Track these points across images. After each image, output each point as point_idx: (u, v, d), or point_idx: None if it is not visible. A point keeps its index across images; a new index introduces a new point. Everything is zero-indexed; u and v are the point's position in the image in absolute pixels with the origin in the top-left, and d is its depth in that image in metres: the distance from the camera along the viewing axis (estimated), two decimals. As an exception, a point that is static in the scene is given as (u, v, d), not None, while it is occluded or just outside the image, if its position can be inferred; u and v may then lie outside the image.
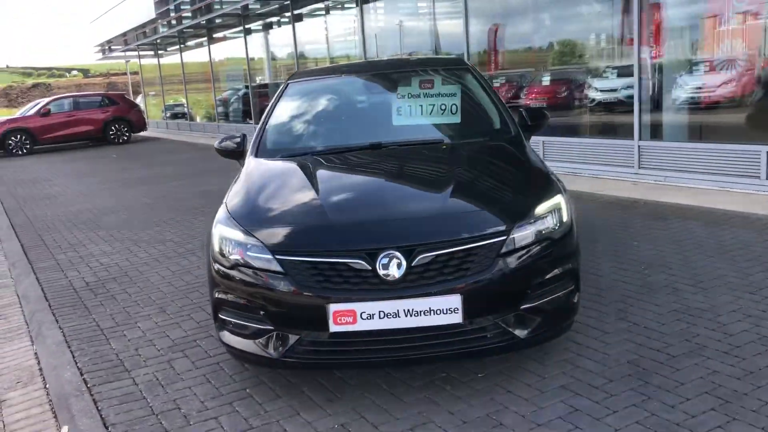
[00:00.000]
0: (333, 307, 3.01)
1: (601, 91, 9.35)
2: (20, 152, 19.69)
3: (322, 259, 3.08)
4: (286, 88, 4.93)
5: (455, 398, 3.21)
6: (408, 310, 3.00)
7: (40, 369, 4.07)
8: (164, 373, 3.75)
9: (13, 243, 7.67)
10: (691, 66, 8.17)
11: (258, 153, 4.30)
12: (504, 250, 3.12)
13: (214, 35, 21.04)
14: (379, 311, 2.99)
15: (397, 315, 3.00)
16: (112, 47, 29.02)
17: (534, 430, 2.88)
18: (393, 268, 3.00)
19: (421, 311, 3.00)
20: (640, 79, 8.14)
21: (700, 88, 8.13)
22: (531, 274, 3.19)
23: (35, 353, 4.34)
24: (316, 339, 3.11)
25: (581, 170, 8.93)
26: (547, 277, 3.26)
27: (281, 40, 17.78)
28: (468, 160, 3.91)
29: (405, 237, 3.10)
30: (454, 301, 3.01)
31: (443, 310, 3.01)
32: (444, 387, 3.32)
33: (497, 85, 10.75)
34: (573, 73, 9.90)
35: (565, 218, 3.40)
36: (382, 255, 3.02)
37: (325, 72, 5.41)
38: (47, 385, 3.83)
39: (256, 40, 18.91)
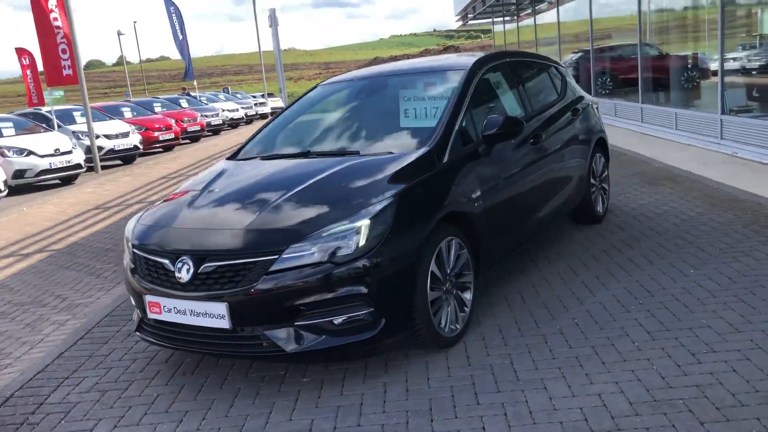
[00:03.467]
0: (147, 298, 3.62)
1: None
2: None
3: (147, 256, 3.69)
4: (312, 90, 5.37)
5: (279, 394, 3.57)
6: (192, 310, 3.44)
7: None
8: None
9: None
10: None
11: (236, 154, 4.88)
12: (273, 268, 3.29)
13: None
14: (174, 307, 3.50)
15: (185, 313, 3.47)
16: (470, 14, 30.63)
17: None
18: (183, 272, 3.46)
19: (200, 312, 3.42)
20: None
21: None
22: (303, 293, 3.29)
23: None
24: (146, 322, 3.75)
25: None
26: (328, 297, 3.30)
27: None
28: (320, 178, 3.87)
29: (199, 246, 3.51)
30: (221, 308, 3.34)
31: (214, 315, 3.38)
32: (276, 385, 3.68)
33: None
34: None
35: (361, 243, 3.34)
36: (179, 259, 3.50)
37: (352, 77, 5.37)
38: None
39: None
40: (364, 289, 3.32)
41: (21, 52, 17.91)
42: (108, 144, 16.44)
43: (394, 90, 4.81)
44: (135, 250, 3.80)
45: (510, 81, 5.05)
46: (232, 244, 3.46)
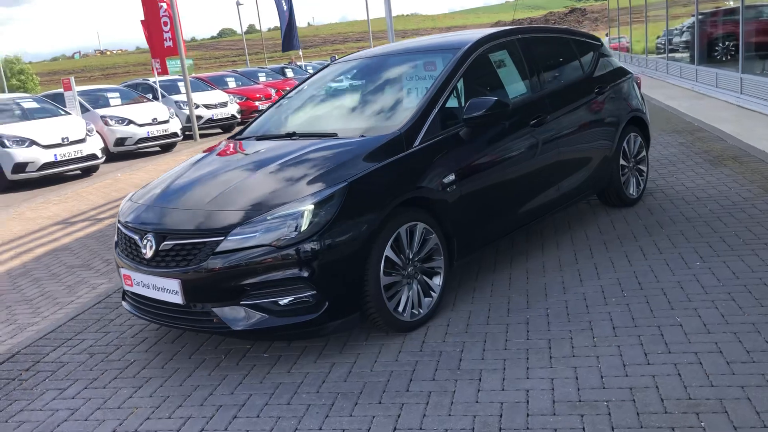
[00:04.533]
0: (122, 271, 3.89)
1: None
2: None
3: (124, 231, 3.95)
4: (325, 68, 5.42)
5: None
6: (154, 285, 3.67)
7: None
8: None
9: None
10: None
11: (241, 132, 5.03)
12: (219, 249, 3.45)
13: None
14: (141, 281, 3.75)
15: (149, 287, 3.71)
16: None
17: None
18: (148, 248, 3.69)
19: (160, 287, 3.64)
20: None
21: None
22: (247, 274, 3.42)
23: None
24: (126, 292, 4.02)
25: None
26: (271, 279, 3.42)
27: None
28: (285, 160, 3.95)
29: (162, 225, 3.72)
30: (176, 285, 3.55)
31: (170, 290, 3.59)
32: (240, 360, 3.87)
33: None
34: None
35: (303, 227, 3.41)
36: (144, 236, 3.73)
37: (361, 56, 5.31)
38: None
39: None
40: (304, 273, 3.41)
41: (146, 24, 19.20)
42: (207, 113, 17.26)
43: (391, 71, 4.80)
44: (118, 225, 4.07)
45: (517, 59, 4.88)
46: (187, 224, 3.64)
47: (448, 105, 4.27)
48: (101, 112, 14.40)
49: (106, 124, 14.17)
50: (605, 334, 3.57)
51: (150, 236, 3.70)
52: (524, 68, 4.87)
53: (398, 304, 3.77)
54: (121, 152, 14.38)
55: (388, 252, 3.66)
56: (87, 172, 12.71)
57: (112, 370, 3.86)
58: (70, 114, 13.12)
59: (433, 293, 3.98)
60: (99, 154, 12.41)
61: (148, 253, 3.68)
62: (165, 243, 3.63)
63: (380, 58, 5.06)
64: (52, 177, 12.10)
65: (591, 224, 5.51)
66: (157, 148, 15.17)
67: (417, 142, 3.96)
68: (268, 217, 3.46)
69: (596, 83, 5.44)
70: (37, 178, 11.74)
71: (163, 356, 3.96)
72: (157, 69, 17.96)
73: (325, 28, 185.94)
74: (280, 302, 3.46)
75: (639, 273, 4.36)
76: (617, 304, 3.92)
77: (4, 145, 11.45)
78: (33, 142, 11.59)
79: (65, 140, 11.86)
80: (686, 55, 16.65)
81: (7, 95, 13.83)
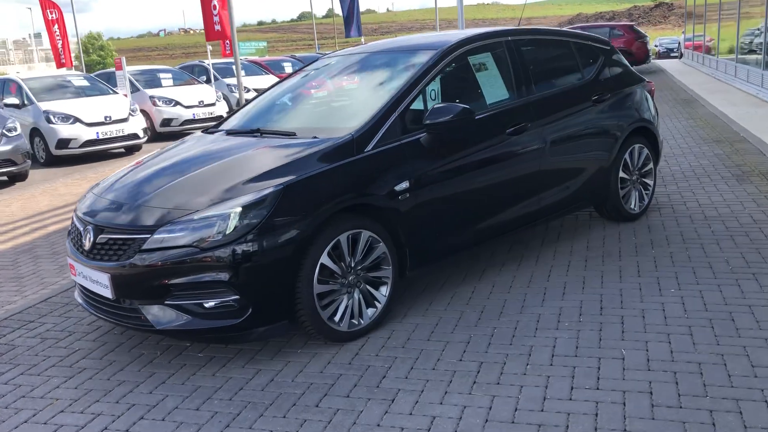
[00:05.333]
0: (69, 260, 3.92)
1: None
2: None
3: (75, 221, 3.97)
4: (313, 62, 5.32)
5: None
6: (90, 277, 3.68)
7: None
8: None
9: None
10: None
11: (217, 126, 4.98)
12: (145, 246, 3.42)
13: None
14: (81, 272, 3.76)
15: (87, 278, 3.72)
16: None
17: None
18: (87, 240, 3.71)
19: (95, 280, 3.65)
20: None
21: None
22: (170, 274, 3.38)
23: None
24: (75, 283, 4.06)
25: None
26: (194, 281, 3.37)
27: None
28: (230, 159, 3.91)
29: (101, 218, 3.72)
30: (105, 279, 3.54)
31: (102, 284, 3.59)
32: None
33: None
34: None
35: (229, 230, 3.34)
36: (86, 228, 3.75)
37: (345, 53, 5.19)
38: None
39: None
40: (227, 277, 3.34)
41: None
42: (257, 97, 17.43)
43: (367, 70, 4.66)
44: (73, 213, 4.11)
45: (503, 63, 4.65)
46: (122, 218, 3.62)
47: (416, 108, 4.12)
48: (150, 92, 14.75)
49: (154, 104, 14.50)
50: (541, 362, 3.37)
51: (90, 228, 3.71)
52: (509, 73, 4.64)
53: (335, 314, 3.66)
54: (166, 132, 14.69)
55: (324, 259, 3.55)
56: (130, 150, 13.04)
57: (54, 357, 3.90)
58: (116, 93, 13.47)
59: (378, 303, 3.85)
60: (140, 134, 12.70)
61: (87, 244, 3.69)
62: (101, 236, 3.63)
63: (362, 56, 4.92)
64: (95, 154, 12.48)
65: (581, 238, 5.25)
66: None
67: (369, 147, 3.83)
68: (195, 217, 3.41)
69: (596, 90, 5.15)
70: (79, 154, 12.12)
71: (106, 347, 3.98)
72: (227, 50, 18.31)
73: (404, 14, 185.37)
74: (205, 305, 3.41)
75: (606, 296, 4.11)
76: (568, 329, 3.70)
77: (50, 121, 11.86)
78: (77, 119, 11.96)
79: (108, 119, 12.19)
80: (755, 57, 15.75)
81: (59, 72, 14.33)
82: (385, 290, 3.87)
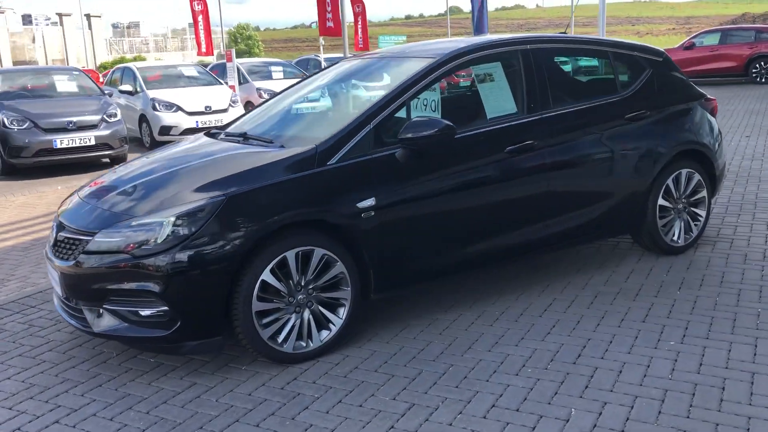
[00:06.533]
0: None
1: None
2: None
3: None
4: (334, 64, 5.12)
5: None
6: (51, 273, 3.75)
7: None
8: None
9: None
10: None
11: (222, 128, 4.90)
12: (86, 249, 3.41)
13: None
14: (49, 267, 3.85)
15: (49, 273, 3.80)
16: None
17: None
18: (53, 237, 3.77)
19: (52, 276, 3.71)
20: None
21: None
22: (105, 279, 3.35)
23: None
24: None
25: None
26: (125, 288, 3.32)
27: None
28: (193, 164, 3.83)
29: (65, 217, 3.77)
30: (57, 276, 3.59)
31: (55, 280, 3.64)
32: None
33: None
34: None
35: (160, 239, 3.25)
36: (55, 225, 3.82)
37: (364, 55, 4.94)
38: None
39: None
40: (155, 286, 3.26)
41: (353, 1, 20.72)
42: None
43: (361, 78, 4.44)
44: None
45: (514, 74, 4.26)
46: (79, 219, 3.64)
47: (401, 119, 3.85)
48: (258, 84, 15.16)
49: (260, 96, 14.90)
50: (474, 412, 3.03)
51: (55, 225, 3.78)
52: (521, 85, 4.23)
53: (278, 334, 3.49)
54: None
55: (266, 276, 3.39)
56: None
57: (26, 347, 3.97)
58: (221, 84, 13.94)
59: (332, 326, 3.64)
60: (238, 125, 13.06)
61: (52, 241, 3.76)
62: (59, 234, 3.68)
63: (362, 63, 4.70)
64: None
65: (606, 270, 4.73)
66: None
67: (333, 161, 3.61)
68: (133, 223, 3.36)
69: (633, 107, 4.60)
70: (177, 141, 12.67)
71: (75, 342, 4.02)
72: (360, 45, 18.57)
73: (554, 10, 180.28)
74: (141, 313, 3.36)
75: (593, 342, 3.65)
76: (527, 377, 3.31)
77: (155, 108, 12.48)
78: (179, 108, 12.49)
79: (208, 109, 12.64)
80: None
81: (170, 62, 14.99)
82: (342, 312, 3.65)
